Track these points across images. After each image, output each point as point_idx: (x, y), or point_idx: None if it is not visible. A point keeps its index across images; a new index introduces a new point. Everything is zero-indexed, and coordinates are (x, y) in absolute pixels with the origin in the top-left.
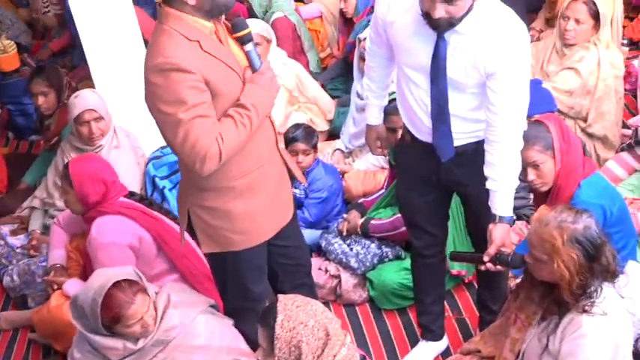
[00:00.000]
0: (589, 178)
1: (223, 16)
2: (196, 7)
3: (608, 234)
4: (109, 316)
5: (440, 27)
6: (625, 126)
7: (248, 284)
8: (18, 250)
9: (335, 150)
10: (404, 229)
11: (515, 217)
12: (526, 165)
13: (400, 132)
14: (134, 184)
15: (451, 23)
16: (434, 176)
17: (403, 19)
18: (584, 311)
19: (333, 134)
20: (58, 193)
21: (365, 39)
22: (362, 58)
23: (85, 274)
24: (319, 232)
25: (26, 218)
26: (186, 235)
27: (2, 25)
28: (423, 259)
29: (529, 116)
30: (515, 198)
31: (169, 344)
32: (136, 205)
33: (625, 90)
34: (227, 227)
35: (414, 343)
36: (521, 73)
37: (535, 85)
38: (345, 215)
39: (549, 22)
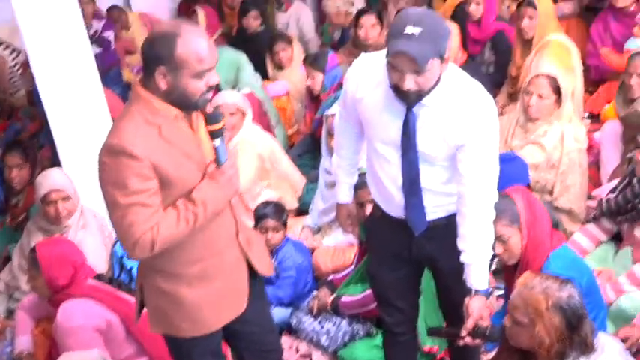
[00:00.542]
0: (557, 250)
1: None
2: (166, 93)
3: None
4: None
5: (409, 99)
6: (590, 198)
7: None
8: None
9: (304, 227)
10: (375, 305)
11: (490, 290)
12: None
13: (368, 206)
14: (101, 265)
15: (420, 95)
16: (405, 251)
17: (372, 95)
18: None
19: (301, 211)
20: (23, 276)
21: (333, 115)
22: (330, 135)
23: (52, 359)
24: (289, 310)
25: None
26: None
27: None
28: (394, 337)
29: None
30: None
31: None
32: (104, 287)
33: (588, 163)
34: (173, 312)
35: None
36: (491, 144)
37: (511, 159)
38: (315, 293)
39: (512, 97)
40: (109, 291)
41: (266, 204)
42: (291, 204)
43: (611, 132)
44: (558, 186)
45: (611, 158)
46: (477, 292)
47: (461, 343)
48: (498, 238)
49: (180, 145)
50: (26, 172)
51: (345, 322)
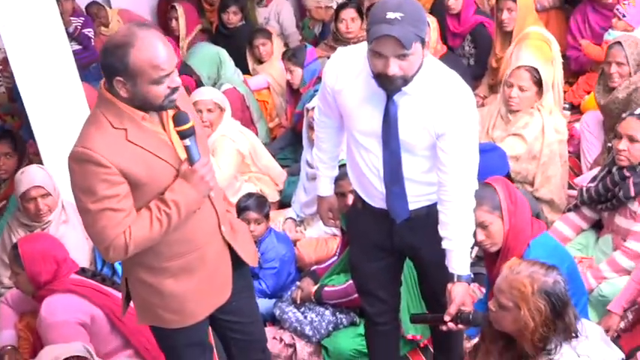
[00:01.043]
0: (538, 238)
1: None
2: (128, 99)
3: None
4: None
5: (394, 85)
6: (571, 187)
7: None
8: None
9: (286, 219)
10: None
11: (472, 276)
12: (475, 226)
13: (350, 196)
14: (83, 259)
15: (405, 81)
16: (387, 241)
17: (352, 86)
18: None
19: (284, 203)
20: (5, 271)
21: (313, 108)
22: (311, 128)
23: (36, 353)
24: (273, 301)
25: None
26: None
27: None
28: (376, 327)
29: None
30: None
31: None
32: (88, 282)
33: (569, 152)
34: (159, 304)
35: None
36: (470, 132)
37: (491, 149)
38: (298, 283)
39: (492, 89)
40: (93, 285)
41: (248, 196)
42: (273, 197)
43: (591, 122)
44: (539, 177)
45: (591, 148)
46: (459, 277)
47: (444, 328)
48: (480, 224)
49: (150, 146)
50: (13, 162)
51: (328, 312)
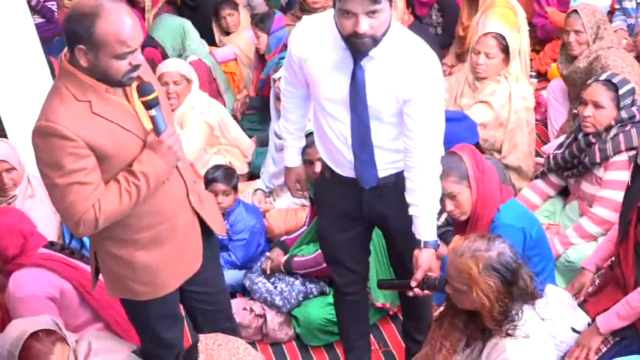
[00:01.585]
0: (507, 203)
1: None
2: (88, 70)
3: (527, 257)
4: None
5: (364, 46)
6: (538, 155)
7: (158, 332)
8: None
9: (256, 190)
10: None
11: (439, 242)
12: (443, 196)
13: (317, 164)
14: (51, 233)
15: (375, 40)
16: (356, 211)
17: (318, 54)
18: (507, 335)
19: (253, 174)
20: None
21: (280, 79)
22: (278, 99)
23: (4, 328)
24: (242, 272)
25: None
26: None
27: None
28: (345, 297)
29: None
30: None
31: None
32: (56, 255)
33: (536, 120)
34: (130, 277)
35: None
36: (437, 98)
37: (461, 118)
38: (268, 254)
39: (460, 57)
40: (61, 259)
41: (216, 168)
42: (242, 169)
43: (557, 89)
44: (507, 144)
45: (558, 115)
46: (425, 244)
47: (410, 294)
48: (448, 195)
49: (115, 118)
50: None
51: (298, 282)
